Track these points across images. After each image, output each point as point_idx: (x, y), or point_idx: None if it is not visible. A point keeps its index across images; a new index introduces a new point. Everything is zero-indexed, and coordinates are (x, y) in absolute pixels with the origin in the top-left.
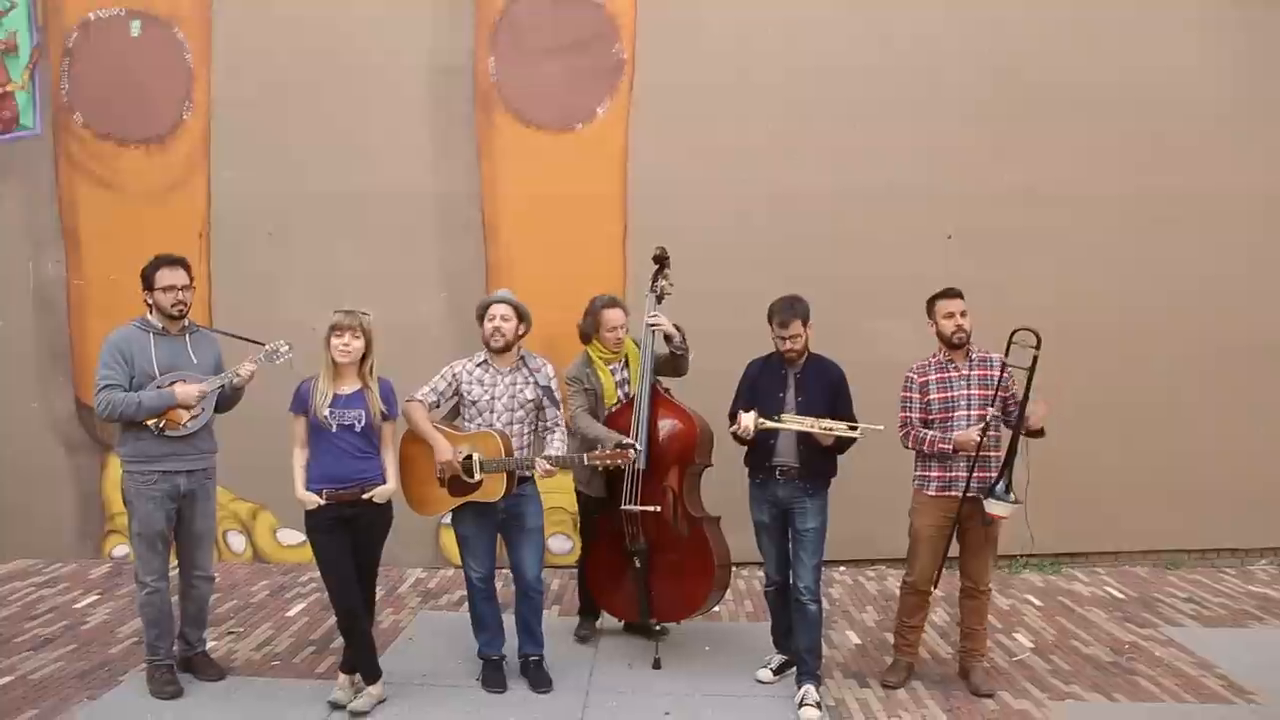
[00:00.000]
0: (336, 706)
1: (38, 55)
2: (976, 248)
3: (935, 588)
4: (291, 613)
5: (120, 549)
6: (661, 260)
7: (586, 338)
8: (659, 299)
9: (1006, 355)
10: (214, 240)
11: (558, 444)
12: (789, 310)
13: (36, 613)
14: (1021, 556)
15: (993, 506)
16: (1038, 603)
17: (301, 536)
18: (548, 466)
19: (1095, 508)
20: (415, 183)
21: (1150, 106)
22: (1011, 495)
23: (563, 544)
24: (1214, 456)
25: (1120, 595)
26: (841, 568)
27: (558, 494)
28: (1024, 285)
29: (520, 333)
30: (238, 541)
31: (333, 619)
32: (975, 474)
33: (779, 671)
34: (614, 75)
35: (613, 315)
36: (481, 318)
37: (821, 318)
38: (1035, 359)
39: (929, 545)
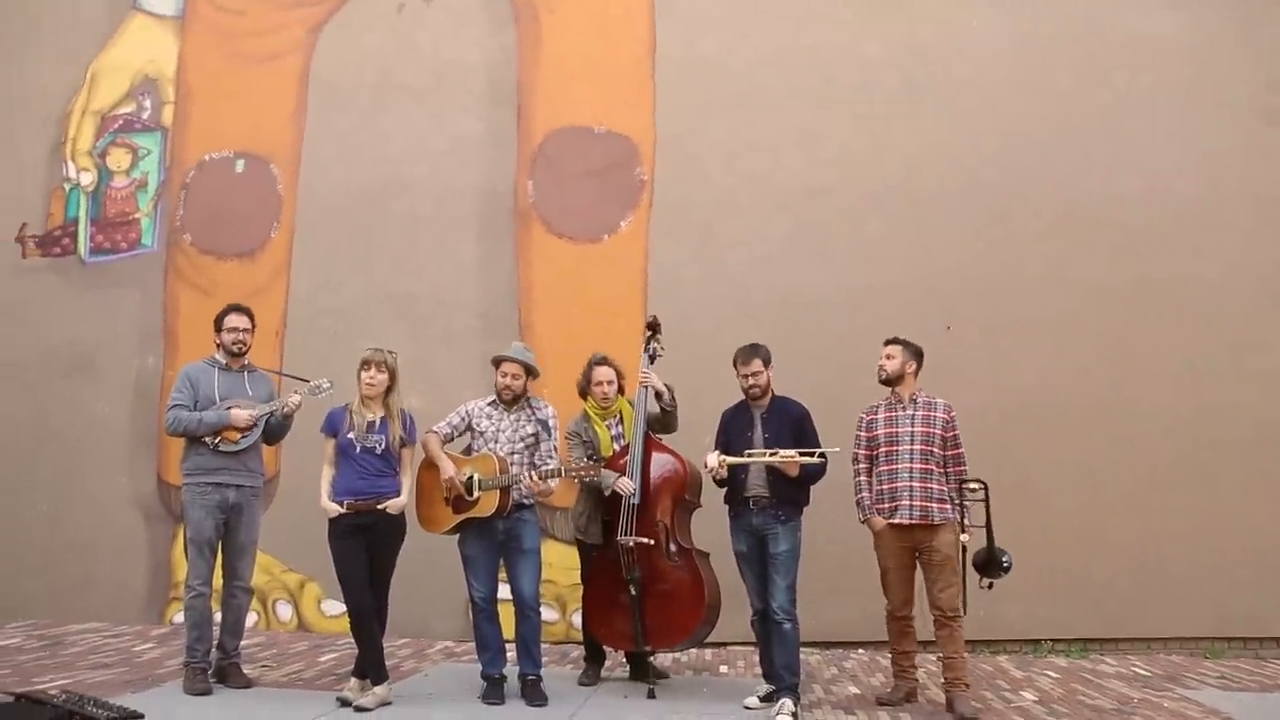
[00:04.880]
0: (344, 703)
1: (162, 190)
2: (979, 337)
3: (911, 613)
4: (322, 658)
5: (179, 616)
6: (653, 326)
7: (583, 393)
8: (651, 359)
9: (961, 503)
10: (286, 336)
11: (549, 464)
12: (750, 351)
13: (101, 651)
14: (1047, 641)
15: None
16: (1055, 675)
17: (344, 607)
18: (536, 479)
19: (1129, 592)
20: (463, 287)
21: (1132, 202)
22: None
23: None
24: (1259, 539)
25: (1145, 673)
26: (860, 650)
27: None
28: (1028, 372)
29: (527, 385)
30: (285, 611)
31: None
32: (916, 502)
33: (766, 699)
34: (636, 194)
35: (600, 371)
36: (496, 367)
37: (833, 396)
38: (987, 507)
39: (894, 573)
